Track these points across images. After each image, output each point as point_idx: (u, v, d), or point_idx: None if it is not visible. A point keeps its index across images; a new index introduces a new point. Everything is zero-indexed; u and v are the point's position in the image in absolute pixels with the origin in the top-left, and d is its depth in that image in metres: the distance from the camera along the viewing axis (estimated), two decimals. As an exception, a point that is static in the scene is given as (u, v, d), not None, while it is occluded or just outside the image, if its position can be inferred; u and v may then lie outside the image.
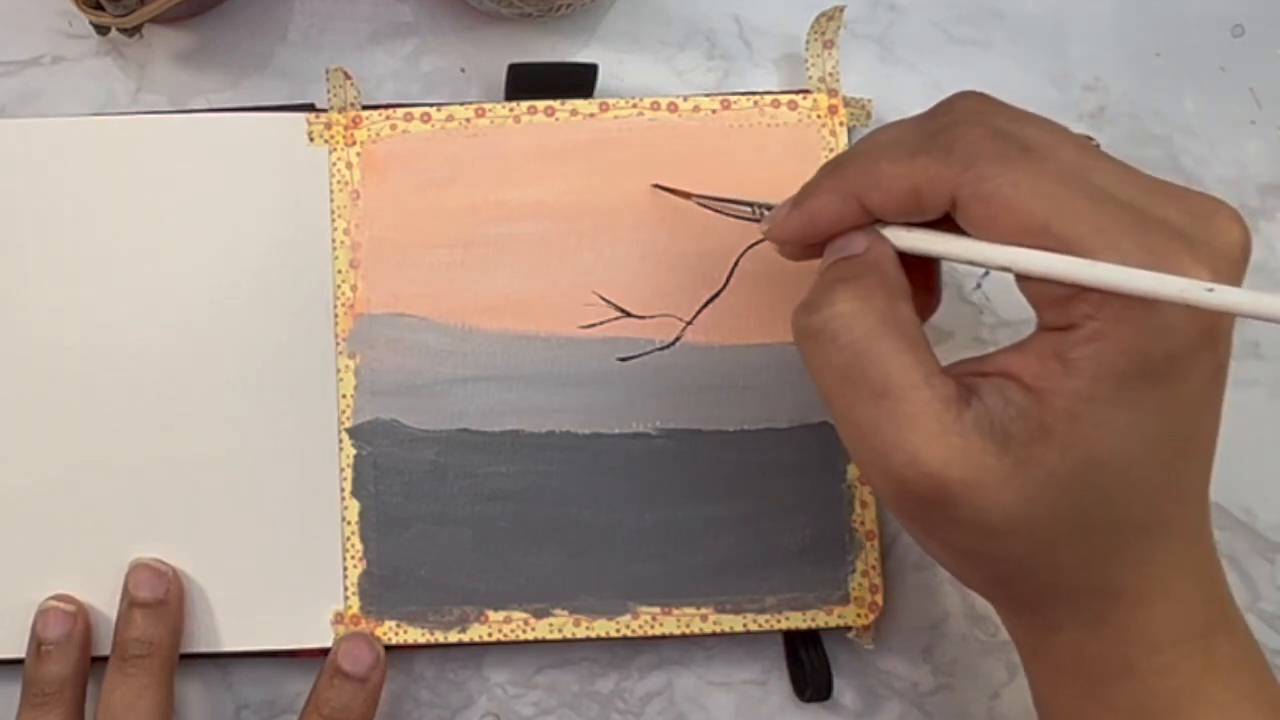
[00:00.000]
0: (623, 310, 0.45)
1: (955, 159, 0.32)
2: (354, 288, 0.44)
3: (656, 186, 0.44)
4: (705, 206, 0.43)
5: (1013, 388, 0.32)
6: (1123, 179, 0.32)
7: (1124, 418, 0.31)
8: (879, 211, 0.34)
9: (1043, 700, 0.36)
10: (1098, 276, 0.30)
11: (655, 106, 0.45)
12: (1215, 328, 0.31)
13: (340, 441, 0.44)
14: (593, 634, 0.44)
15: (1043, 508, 0.32)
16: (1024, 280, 0.32)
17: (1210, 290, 0.29)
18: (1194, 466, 0.33)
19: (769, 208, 0.39)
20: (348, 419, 0.44)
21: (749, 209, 0.41)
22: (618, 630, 0.44)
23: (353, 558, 0.44)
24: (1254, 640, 0.35)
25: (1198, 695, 0.33)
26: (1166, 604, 0.33)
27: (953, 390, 0.32)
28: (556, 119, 0.45)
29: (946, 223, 0.33)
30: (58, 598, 0.43)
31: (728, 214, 0.42)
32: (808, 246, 0.36)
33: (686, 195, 0.44)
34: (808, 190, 0.36)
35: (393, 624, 0.44)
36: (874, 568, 0.44)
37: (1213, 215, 0.32)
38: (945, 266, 0.38)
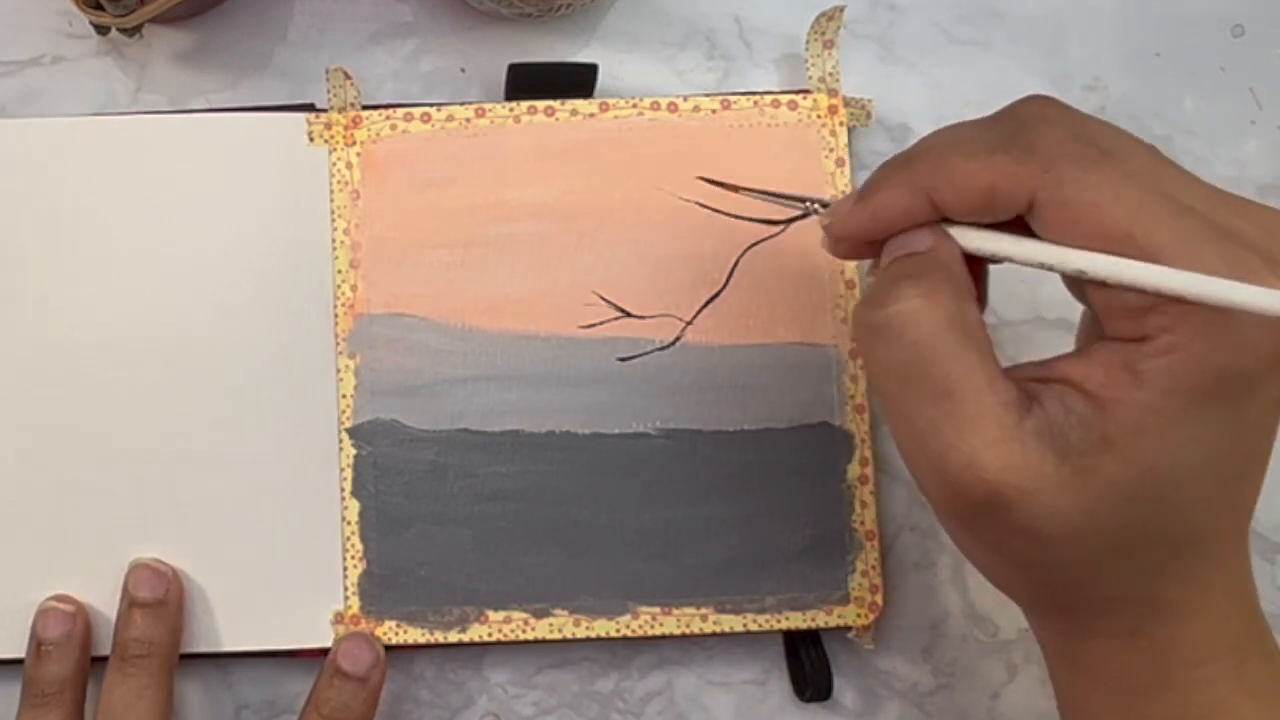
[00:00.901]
0: (623, 310, 0.45)
1: (1036, 160, 0.31)
2: (354, 288, 0.44)
3: (702, 179, 0.43)
4: (754, 198, 0.41)
5: (1074, 396, 0.31)
6: (1193, 189, 0.31)
7: (1189, 433, 0.30)
8: (949, 209, 0.33)
9: (1071, 708, 0.36)
10: (1185, 286, 0.29)
11: (655, 106, 0.45)
12: None
13: (340, 441, 0.44)
14: (593, 634, 0.44)
15: (1098, 518, 0.31)
16: (1094, 287, 0.31)
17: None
18: (1249, 485, 0.33)
19: (821, 202, 0.38)
20: (348, 419, 0.44)
21: (799, 204, 0.39)
22: (618, 630, 0.44)
23: (353, 558, 0.44)
24: None
25: (1230, 710, 0.33)
26: (1206, 619, 0.33)
27: (1015, 395, 0.31)
28: (556, 119, 0.45)
29: (1008, 226, 0.33)
30: (58, 598, 0.43)
31: (779, 204, 0.40)
32: (864, 244, 0.36)
33: (735, 188, 0.42)
34: (873, 185, 0.35)
35: (393, 624, 0.44)
36: (874, 568, 0.44)
37: None
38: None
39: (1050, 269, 0.32)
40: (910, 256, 0.34)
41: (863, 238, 0.35)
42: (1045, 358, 0.33)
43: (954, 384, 0.31)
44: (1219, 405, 0.30)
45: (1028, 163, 0.31)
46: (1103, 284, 0.31)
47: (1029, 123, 0.32)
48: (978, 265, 0.35)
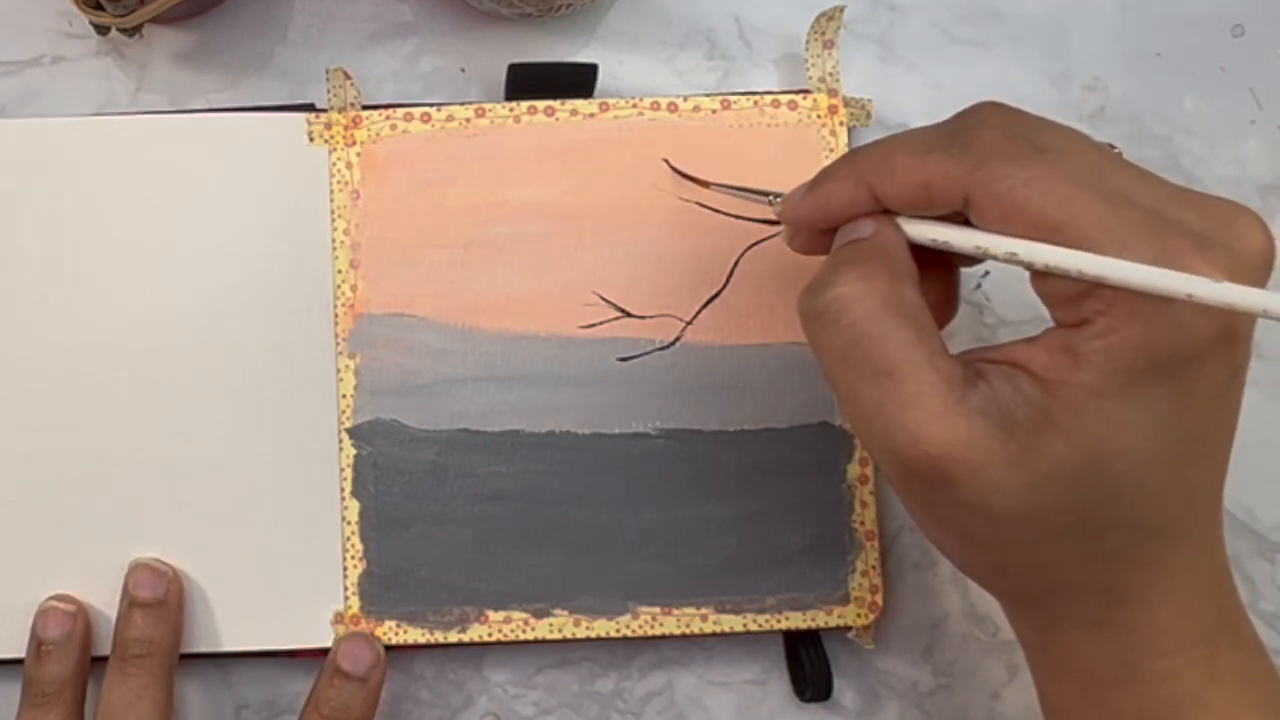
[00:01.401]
0: (623, 310, 0.45)
1: (970, 157, 0.32)
2: (354, 288, 0.44)
3: (674, 170, 0.44)
4: (723, 192, 0.43)
5: (1021, 376, 0.32)
6: (1141, 185, 0.32)
7: (1132, 415, 0.31)
8: (890, 201, 0.34)
9: (1046, 701, 0.36)
10: (1102, 270, 0.30)
11: (655, 106, 0.45)
12: (1231, 329, 0.31)
13: (340, 441, 0.44)
14: (593, 634, 0.44)
15: (1047, 498, 0.32)
16: (1038, 278, 0.32)
17: (1217, 284, 0.29)
18: (1205, 469, 0.33)
19: (780, 195, 0.39)
20: (348, 419, 0.44)
21: (765, 197, 0.41)
22: (618, 630, 0.44)
23: (353, 558, 0.44)
24: (1262, 648, 0.35)
25: (1201, 702, 0.33)
26: (1173, 608, 0.33)
27: (958, 372, 0.32)
28: (556, 119, 0.45)
29: (957, 220, 0.34)
30: (58, 598, 0.43)
31: (745, 199, 0.42)
32: (819, 236, 0.37)
33: (705, 183, 0.44)
34: (823, 175, 0.36)
35: (393, 624, 0.44)
36: (874, 568, 0.44)
37: (1232, 220, 0.32)
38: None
39: (986, 255, 0.33)
40: (852, 243, 0.35)
41: (812, 226, 0.37)
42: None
43: (893, 363, 0.32)
44: (1158, 386, 0.31)
45: (962, 160, 0.32)
46: (1038, 272, 0.32)
47: (970, 125, 0.33)
48: (949, 274, 0.36)
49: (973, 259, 0.34)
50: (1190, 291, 0.29)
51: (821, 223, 0.36)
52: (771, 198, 0.40)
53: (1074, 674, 0.35)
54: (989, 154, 0.32)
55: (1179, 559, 0.33)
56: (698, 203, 0.44)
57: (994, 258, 0.32)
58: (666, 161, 0.44)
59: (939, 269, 0.36)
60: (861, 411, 0.33)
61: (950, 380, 0.32)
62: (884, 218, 0.35)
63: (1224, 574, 0.35)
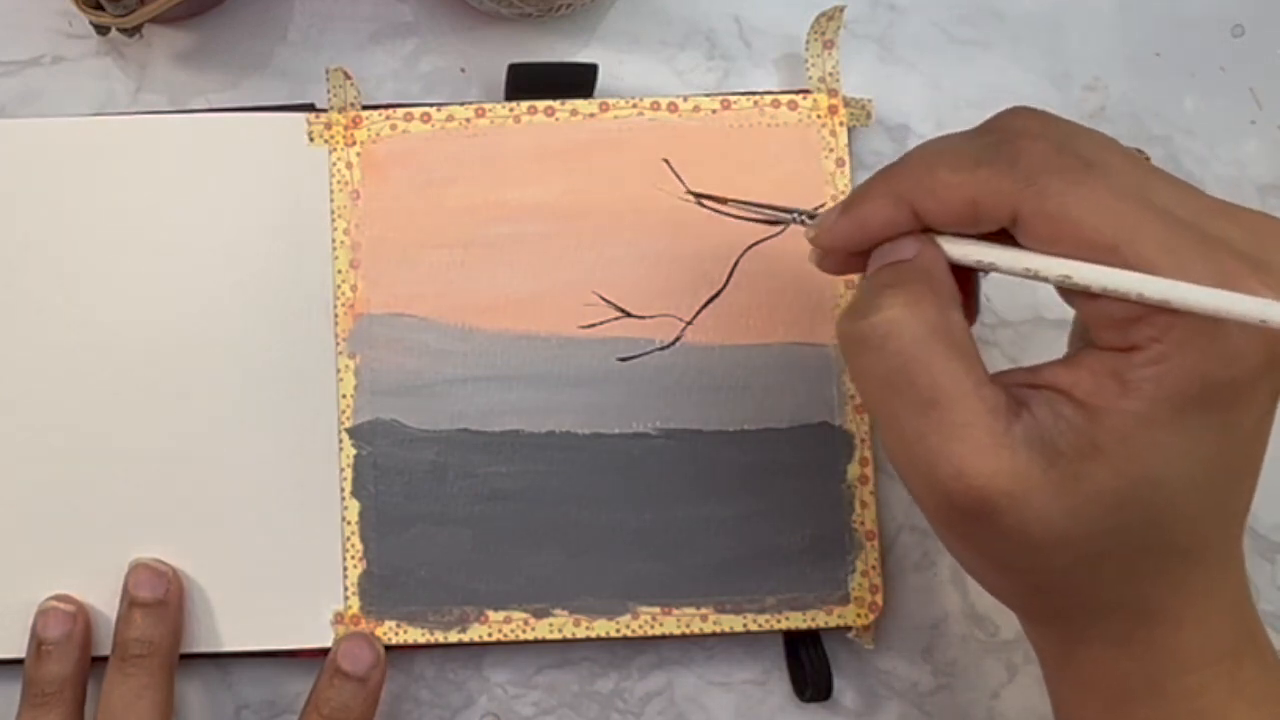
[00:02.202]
0: (623, 310, 0.45)
1: (1020, 172, 0.31)
2: (354, 288, 0.44)
3: (693, 194, 0.43)
4: (742, 216, 0.42)
5: (1064, 402, 0.31)
6: (1182, 197, 0.31)
7: (1179, 442, 0.30)
8: (933, 220, 0.33)
9: (1063, 713, 0.36)
10: (1169, 294, 0.29)
11: (655, 106, 0.45)
12: (1277, 354, 0.31)
13: (340, 441, 0.44)
14: (593, 634, 0.44)
15: (1088, 525, 0.31)
16: (1085, 299, 0.31)
17: (1264, 321, 0.28)
18: (1241, 493, 0.33)
19: (808, 214, 0.38)
20: (348, 419, 0.44)
21: (789, 216, 0.39)
22: (618, 630, 0.44)
23: (353, 558, 0.44)
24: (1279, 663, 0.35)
25: (1224, 716, 0.33)
26: (1199, 626, 0.33)
27: (1003, 401, 0.31)
28: (556, 119, 0.45)
29: (996, 236, 0.33)
30: (58, 598, 0.43)
31: (765, 220, 0.41)
32: (851, 257, 0.35)
33: (723, 201, 0.42)
34: (858, 196, 0.35)
35: (393, 624, 0.44)
36: (874, 568, 0.44)
37: (1271, 234, 0.31)
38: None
39: (1036, 277, 0.31)
40: (894, 265, 0.34)
41: (848, 248, 0.35)
42: (1039, 362, 0.33)
43: (940, 392, 0.31)
44: (1208, 415, 0.30)
45: (1011, 176, 0.31)
46: (1089, 293, 0.31)
47: (1013, 135, 0.32)
48: (968, 276, 0.35)
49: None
50: (1265, 317, 0.28)
51: (859, 245, 0.35)
52: (797, 215, 0.39)
53: (1097, 690, 0.34)
54: (1039, 168, 0.31)
55: (1207, 579, 0.33)
56: (698, 202, 0.44)
57: (1046, 280, 0.31)
58: (693, 193, 0.43)
59: (960, 276, 0.35)
60: (903, 441, 0.32)
61: (995, 410, 0.31)
62: (926, 237, 0.33)
63: (1245, 590, 0.34)
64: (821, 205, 0.45)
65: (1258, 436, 0.32)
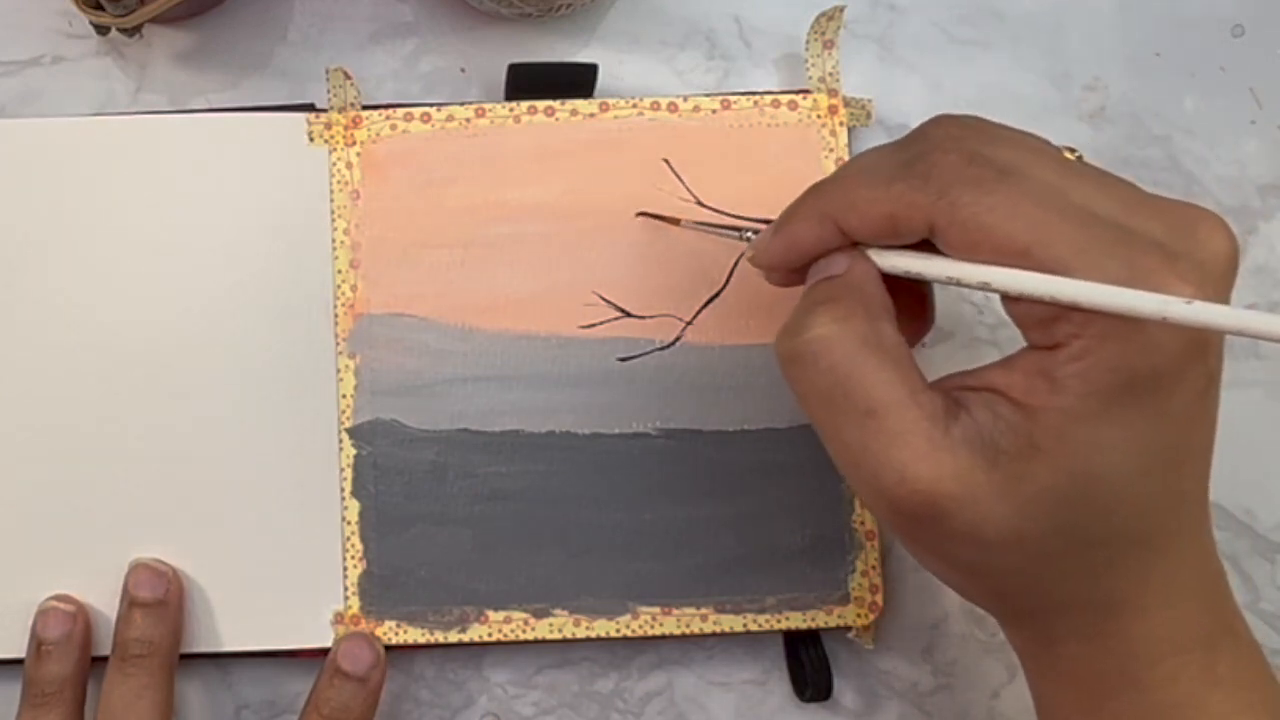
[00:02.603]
0: (623, 310, 0.45)
1: (931, 186, 0.32)
2: (354, 288, 0.44)
3: (642, 214, 0.44)
4: (693, 229, 0.43)
5: (1001, 402, 0.32)
6: (1104, 194, 0.32)
7: (1113, 434, 0.31)
8: (857, 235, 0.34)
9: (1046, 712, 0.36)
10: (1076, 294, 0.30)
11: (655, 106, 0.45)
12: (1204, 340, 0.31)
13: (340, 441, 0.44)
14: (593, 634, 0.44)
15: (1037, 522, 0.32)
16: (1009, 301, 0.32)
17: (1189, 304, 0.29)
18: (1188, 476, 0.33)
19: (754, 231, 0.39)
20: (348, 419, 0.44)
21: (737, 234, 0.41)
22: (618, 630, 0.44)
23: (353, 558, 0.44)
24: (1259, 650, 0.35)
25: (1200, 706, 0.33)
26: (1166, 615, 0.33)
27: (940, 405, 0.32)
28: (556, 119, 0.45)
29: (929, 244, 0.33)
30: (58, 598, 0.43)
31: (717, 235, 0.42)
32: (793, 272, 0.36)
33: (675, 221, 0.44)
34: (788, 215, 0.36)
35: (393, 624, 0.44)
36: (874, 568, 0.44)
37: (1195, 226, 0.32)
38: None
39: (959, 284, 0.32)
40: (825, 281, 0.35)
41: (784, 266, 0.36)
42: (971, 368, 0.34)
43: (875, 402, 0.32)
44: (1137, 403, 0.31)
45: (924, 190, 0.32)
46: (1009, 297, 0.32)
47: (928, 148, 0.33)
48: (921, 287, 0.36)
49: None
50: (1164, 314, 0.29)
51: (792, 263, 0.36)
52: (743, 234, 0.40)
53: (1073, 685, 0.35)
54: (950, 180, 0.32)
55: (1169, 567, 0.33)
56: (698, 202, 0.44)
57: (967, 286, 0.32)
58: (641, 213, 0.44)
59: (911, 287, 0.35)
60: (847, 453, 0.33)
61: (933, 415, 0.32)
62: (855, 252, 0.34)
63: (1218, 578, 0.35)
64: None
65: (1196, 421, 0.33)
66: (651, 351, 0.45)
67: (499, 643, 0.44)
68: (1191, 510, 0.34)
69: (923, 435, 0.32)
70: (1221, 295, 0.31)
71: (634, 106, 0.45)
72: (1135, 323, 0.30)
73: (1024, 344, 0.33)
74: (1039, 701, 0.36)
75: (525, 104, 0.45)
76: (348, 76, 0.45)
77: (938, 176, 0.32)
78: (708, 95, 0.45)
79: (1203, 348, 0.31)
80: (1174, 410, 0.32)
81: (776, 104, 0.45)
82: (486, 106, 0.45)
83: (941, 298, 0.39)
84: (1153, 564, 0.33)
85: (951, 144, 0.33)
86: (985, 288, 0.32)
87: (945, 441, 0.32)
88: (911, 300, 0.36)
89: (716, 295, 0.45)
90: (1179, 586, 0.33)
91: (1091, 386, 0.31)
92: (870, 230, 0.34)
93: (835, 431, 0.33)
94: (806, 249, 0.35)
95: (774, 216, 0.37)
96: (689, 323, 0.45)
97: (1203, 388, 0.32)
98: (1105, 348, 0.31)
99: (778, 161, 0.45)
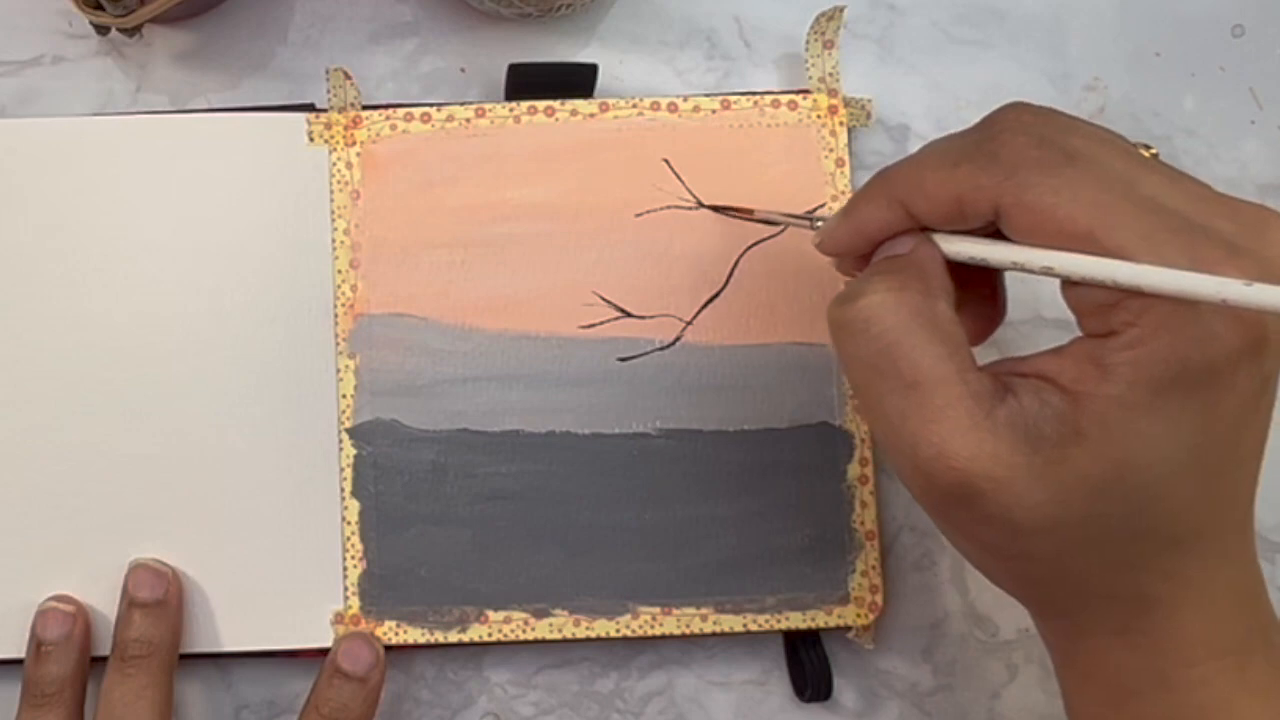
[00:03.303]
0: (623, 310, 0.45)
1: (999, 167, 0.32)
2: (354, 288, 0.44)
3: (713, 208, 0.44)
4: (766, 222, 0.43)
5: (1049, 389, 0.32)
6: (1174, 189, 0.31)
7: (1159, 427, 0.31)
8: (925, 219, 0.34)
9: (1072, 707, 0.36)
10: (1134, 277, 0.30)
11: (655, 106, 0.45)
12: (1262, 339, 0.31)
13: (340, 441, 0.44)
14: (593, 634, 0.44)
15: (1072, 510, 0.31)
16: (1068, 287, 0.32)
17: (1249, 286, 0.28)
18: (1233, 481, 0.33)
19: (818, 219, 0.39)
20: (348, 419, 0.44)
21: (807, 223, 0.40)
22: (618, 630, 0.44)
23: (353, 558, 0.44)
24: None
25: (1230, 712, 0.33)
26: (1199, 617, 0.33)
27: (987, 386, 0.32)
28: (556, 119, 0.45)
29: (997, 234, 0.33)
30: (57, 598, 0.43)
31: (789, 224, 0.42)
32: (861, 258, 0.36)
33: (749, 212, 0.43)
34: (855, 200, 0.36)
35: (393, 624, 0.44)
36: (874, 568, 0.44)
37: (1265, 226, 0.31)
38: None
39: (1023, 269, 0.32)
40: (888, 258, 0.34)
41: (851, 252, 0.36)
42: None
43: (921, 374, 0.32)
44: (1187, 397, 0.31)
45: (991, 171, 0.32)
46: (1071, 282, 0.31)
47: (996, 131, 0.33)
48: (992, 278, 0.36)
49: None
50: (1223, 295, 0.29)
51: (860, 247, 0.36)
52: (814, 222, 0.40)
53: (1101, 681, 0.34)
54: (1018, 163, 0.32)
55: (1205, 568, 0.33)
56: (698, 202, 0.44)
57: (1031, 271, 0.32)
58: (713, 206, 0.44)
59: (984, 274, 0.35)
60: (887, 422, 0.33)
61: (978, 395, 0.32)
62: (921, 235, 0.34)
63: (1256, 585, 0.34)
64: (818, 208, 0.45)
65: (1247, 423, 0.32)
66: (651, 351, 0.45)
67: (499, 643, 0.44)
68: (1233, 516, 0.33)
69: (965, 413, 0.31)
70: None
71: (634, 106, 0.45)
72: (1192, 314, 0.30)
73: (1027, 341, 0.33)
74: (1066, 696, 0.36)
75: (525, 104, 0.45)
76: (348, 76, 0.45)
77: (1006, 158, 0.32)
78: (708, 95, 0.45)
79: (1259, 348, 0.31)
80: (1224, 410, 0.31)
81: (776, 104, 0.45)
82: (486, 106, 0.45)
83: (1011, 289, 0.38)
84: (1187, 564, 0.33)
85: (1021, 128, 0.32)
86: (1048, 272, 0.31)
87: (988, 422, 0.31)
88: (984, 293, 0.36)
89: (716, 295, 0.45)
90: (1215, 590, 0.33)
91: (1141, 375, 0.30)
92: (937, 213, 0.33)
93: (877, 400, 0.33)
94: (873, 233, 0.35)
95: (819, 217, 0.36)
96: (689, 323, 0.45)
97: (1257, 389, 0.32)
98: (1159, 337, 0.30)
99: (778, 161, 0.45)
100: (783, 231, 0.44)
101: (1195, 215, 0.31)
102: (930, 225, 0.34)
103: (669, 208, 0.44)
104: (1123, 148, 0.33)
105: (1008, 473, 0.31)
